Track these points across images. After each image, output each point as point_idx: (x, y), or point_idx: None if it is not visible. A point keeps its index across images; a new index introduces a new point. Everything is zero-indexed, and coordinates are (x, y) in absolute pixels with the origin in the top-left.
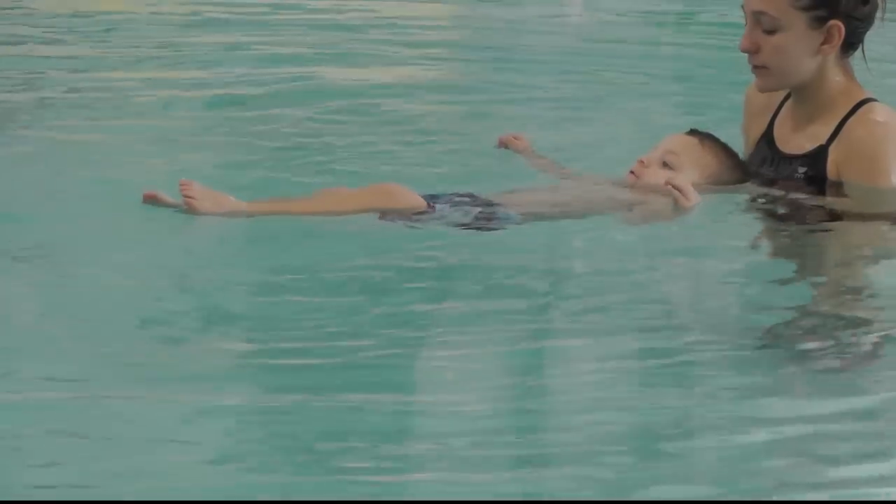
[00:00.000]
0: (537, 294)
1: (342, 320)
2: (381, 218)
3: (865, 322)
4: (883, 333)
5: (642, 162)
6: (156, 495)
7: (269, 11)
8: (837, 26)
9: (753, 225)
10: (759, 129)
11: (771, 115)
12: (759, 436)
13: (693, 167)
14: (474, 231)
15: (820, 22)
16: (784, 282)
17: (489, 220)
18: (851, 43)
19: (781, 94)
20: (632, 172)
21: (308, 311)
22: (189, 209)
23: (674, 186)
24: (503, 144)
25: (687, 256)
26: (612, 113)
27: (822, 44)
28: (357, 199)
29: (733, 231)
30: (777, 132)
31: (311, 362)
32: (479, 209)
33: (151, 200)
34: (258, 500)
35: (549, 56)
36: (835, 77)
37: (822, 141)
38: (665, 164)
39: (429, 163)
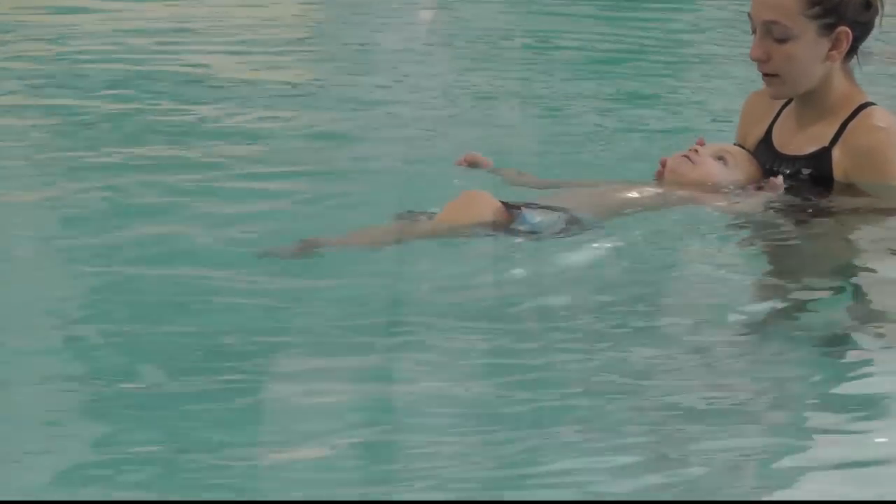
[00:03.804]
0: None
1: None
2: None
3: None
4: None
5: (696, 150)
6: None
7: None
8: (846, 32)
9: (778, 224)
10: (757, 134)
11: (770, 120)
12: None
13: (742, 172)
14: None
15: (829, 29)
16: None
17: (575, 223)
18: (854, 48)
19: (783, 100)
20: (685, 156)
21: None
22: None
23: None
24: (467, 163)
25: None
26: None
27: (831, 50)
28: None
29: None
30: (777, 136)
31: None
32: (566, 214)
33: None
34: (258, 500)
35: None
36: (839, 81)
37: (825, 143)
38: (720, 158)
39: None
